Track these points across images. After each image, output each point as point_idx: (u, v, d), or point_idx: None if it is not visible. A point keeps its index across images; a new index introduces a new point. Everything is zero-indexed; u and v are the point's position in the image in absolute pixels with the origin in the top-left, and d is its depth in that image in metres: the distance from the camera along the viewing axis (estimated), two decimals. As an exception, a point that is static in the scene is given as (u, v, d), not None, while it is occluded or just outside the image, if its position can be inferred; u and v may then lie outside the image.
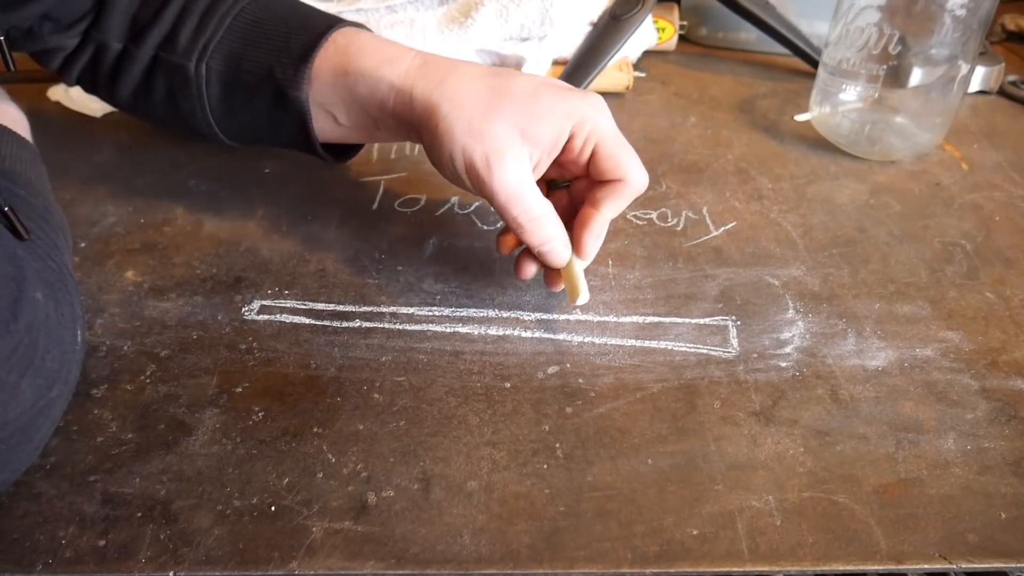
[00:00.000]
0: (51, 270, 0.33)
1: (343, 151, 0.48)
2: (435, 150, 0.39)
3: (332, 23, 0.43)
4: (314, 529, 0.31)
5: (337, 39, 0.42)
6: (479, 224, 0.49)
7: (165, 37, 0.44)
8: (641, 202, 0.52)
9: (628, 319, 0.42)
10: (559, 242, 0.39)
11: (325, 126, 0.44)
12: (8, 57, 0.43)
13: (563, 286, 0.41)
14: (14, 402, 0.29)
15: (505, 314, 0.42)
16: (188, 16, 0.44)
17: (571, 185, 0.43)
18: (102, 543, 0.30)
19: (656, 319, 0.42)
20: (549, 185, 0.44)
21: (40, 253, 0.34)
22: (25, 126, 0.46)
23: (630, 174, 0.39)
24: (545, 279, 0.42)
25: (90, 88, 0.47)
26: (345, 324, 0.41)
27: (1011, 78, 0.69)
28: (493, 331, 0.41)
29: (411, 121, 0.40)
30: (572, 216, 0.41)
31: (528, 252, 0.41)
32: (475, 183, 0.38)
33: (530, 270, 0.42)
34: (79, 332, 0.34)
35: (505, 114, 0.37)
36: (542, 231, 0.39)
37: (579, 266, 0.40)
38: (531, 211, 0.38)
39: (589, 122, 0.38)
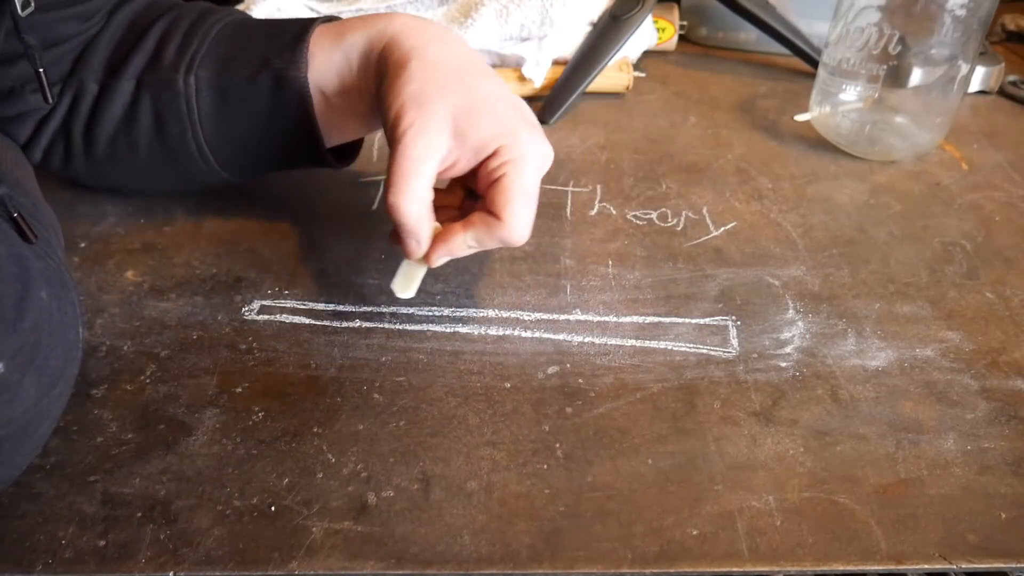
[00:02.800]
0: (51, 269, 0.34)
1: (343, 156, 0.47)
2: (384, 96, 0.38)
3: (319, 18, 0.43)
4: (314, 529, 0.31)
5: (328, 22, 0.43)
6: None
7: (149, 59, 0.43)
8: (641, 202, 0.52)
9: (628, 319, 0.42)
10: (414, 238, 0.38)
11: (319, 111, 0.43)
12: (47, 90, 0.41)
13: (401, 268, 0.41)
14: (18, 400, 0.29)
15: (505, 314, 0.42)
16: (171, 37, 0.43)
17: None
18: (102, 543, 0.30)
19: (656, 319, 0.42)
20: (469, 193, 0.43)
21: (39, 252, 0.34)
22: None
23: (511, 220, 0.37)
24: (390, 235, 0.40)
25: (62, 154, 0.45)
26: (345, 324, 0.41)
27: (1011, 78, 0.69)
28: (493, 331, 0.41)
29: (382, 69, 0.39)
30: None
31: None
32: (388, 140, 0.38)
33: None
34: (80, 331, 0.34)
35: (453, 99, 0.37)
36: (406, 218, 0.37)
37: (423, 268, 0.40)
38: (408, 195, 0.37)
39: (514, 153, 0.37)
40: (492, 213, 0.37)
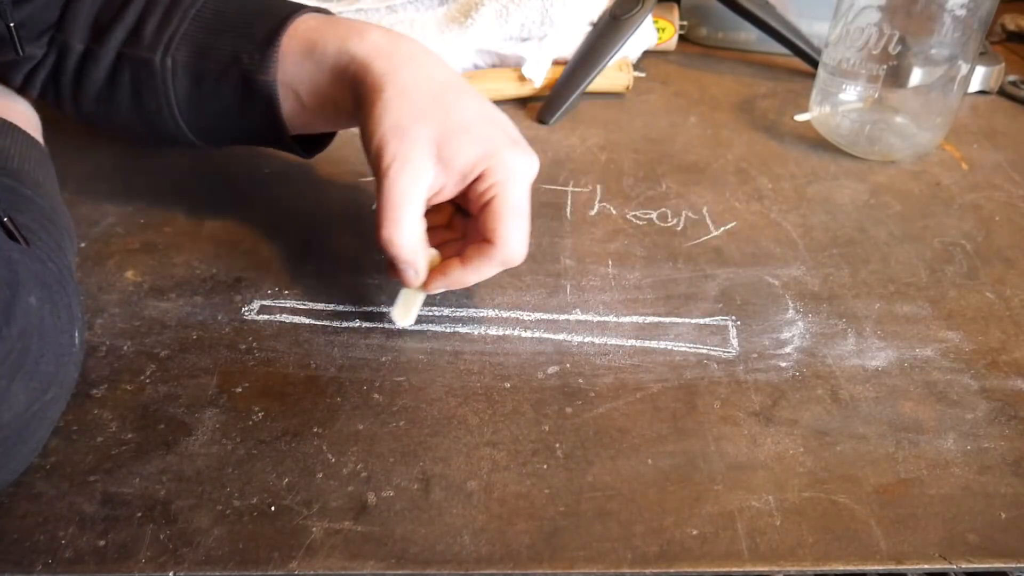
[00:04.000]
0: (50, 272, 0.33)
1: (311, 146, 0.47)
2: (364, 125, 0.38)
3: (296, 8, 0.42)
4: (314, 529, 0.31)
5: (305, 21, 0.42)
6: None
7: (129, 33, 0.43)
8: (641, 202, 0.52)
9: (628, 319, 0.42)
10: (412, 269, 0.38)
11: (291, 109, 0.43)
12: None
13: (400, 297, 0.41)
14: (6, 405, 0.29)
15: (505, 314, 0.42)
16: (152, 11, 0.43)
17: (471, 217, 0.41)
18: (102, 543, 0.30)
19: (656, 319, 0.42)
20: (457, 208, 0.43)
21: (40, 255, 0.34)
22: (36, 125, 0.46)
23: (506, 242, 0.37)
24: (388, 268, 0.40)
25: (54, 99, 0.46)
26: (345, 324, 0.41)
27: (1011, 78, 0.69)
28: (493, 331, 0.41)
29: (358, 92, 0.39)
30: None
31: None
32: (374, 173, 0.38)
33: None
34: (77, 334, 0.34)
35: (433, 125, 0.37)
36: (402, 251, 0.37)
37: (422, 296, 0.40)
38: (401, 229, 0.37)
39: (500, 174, 0.37)
40: (486, 238, 0.38)
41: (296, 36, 0.41)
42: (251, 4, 0.44)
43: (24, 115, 0.45)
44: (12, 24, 0.40)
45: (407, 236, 0.37)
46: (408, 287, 0.40)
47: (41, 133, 0.45)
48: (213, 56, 0.42)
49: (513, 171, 0.38)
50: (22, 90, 0.45)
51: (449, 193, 0.39)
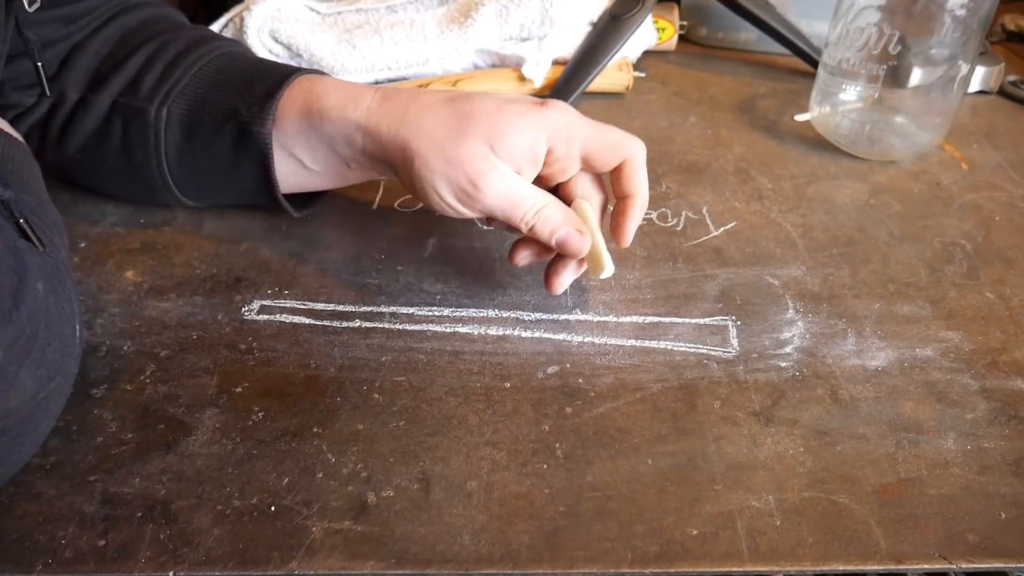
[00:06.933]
0: (49, 264, 0.34)
1: (302, 202, 0.48)
2: (417, 186, 0.39)
3: (295, 70, 0.43)
4: (314, 529, 0.31)
5: (302, 82, 0.42)
6: (479, 224, 0.49)
7: (128, 84, 0.44)
8: (641, 202, 0.52)
9: (628, 319, 0.42)
10: (571, 226, 0.39)
11: (292, 171, 0.43)
12: (45, 84, 0.43)
13: (563, 289, 0.41)
14: (14, 392, 0.29)
15: (505, 314, 0.42)
16: (153, 64, 0.44)
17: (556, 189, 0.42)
18: (102, 543, 0.30)
19: (656, 319, 0.42)
20: None
21: (38, 248, 0.34)
22: None
23: (626, 148, 0.39)
24: (547, 283, 0.41)
25: (36, 144, 0.45)
26: (345, 324, 0.41)
27: (1011, 78, 0.69)
28: (493, 331, 0.41)
29: (383, 159, 0.40)
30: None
31: (554, 265, 0.41)
32: (469, 206, 0.38)
33: (561, 283, 0.41)
34: (78, 327, 0.34)
35: (475, 136, 0.37)
36: (552, 221, 0.38)
37: (600, 240, 0.40)
38: (534, 206, 0.38)
39: (564, 129, 0.38)
40: (612, 166, 0.40)
41: (294, 98, 0.42)
42: (253, 64, 0.45)
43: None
44: (40, 63, 0.41)
45: (548, 207, 0.38)
46: (579, 253, 0.39)
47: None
48: (209, 109, 0.43)
49: (570, 120, 0.39)
50: None
51: (530, 177, 0.40)
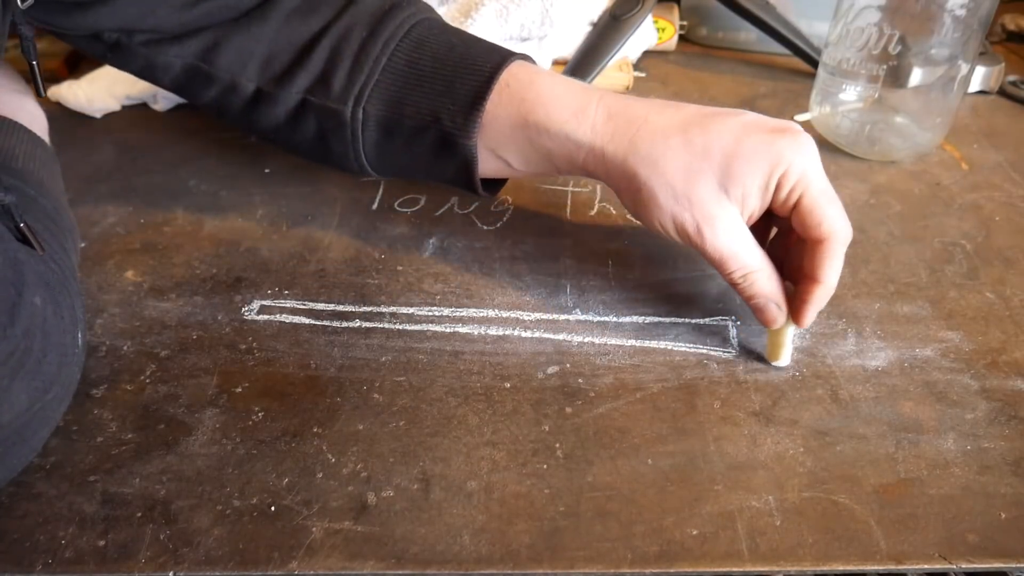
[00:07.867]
0: (53, 273, 0.33)
1: (494, 184, 0.46)
2: (641, 212, 0.39)
3: (495, 61, 0.40)
4: (314, 529, 0.31)
5: (508, 82, 0.39)
6: (479, 224, 0.49)
7: (315, 81, 0.41)
8: (641, 202, 0.52)
9: (628, 319, 0.42)
10: (772, 301, 0.38)
11: (497, 169, 0.42)
12: (40, 83, 0.41)
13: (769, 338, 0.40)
14: (7, 405, 0.29)
15: (505, 314, 0.42)
16: (339, 59, 0.41)
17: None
18: (102, 543, 0.30)
19: (656, 319, 0.42)
20: None
21: (43, 256, 0.34)
22: (43, 124, 0.45)
23: (835, 229, 0.36)
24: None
25: (216, 114, 0.45)
26: (345, 324, 0.41)
27: (1011, 78, 0.69)
28: (493, 331, 0.41)
29: (605, 177, 0.39)
30: (784, 246, 0.41)
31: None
32: (688, 244, 0.38)
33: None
34: (79, 335, 0.34)
35: (708, 176, 0.36)
36: (755, 287, 0.38)
37: (791, 329, 0.39)
38: (745, 267, 0.37)
39: (796, 171, 0.36)
40: (815, 237, 0.37)
41: (502, 104, 0.39)
42: (444, 53, 0.41)
43: (32, 115, 0.44)
44: (35, 62, 0.40)
45: (757, 272, 0.38)
46: (769, 326, 0.39)
47: (47, 133, 0.45)
48: (409, 112, 0.40)
49: (806, 163, 0.36)
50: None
51: (755, 218, 0.38)
